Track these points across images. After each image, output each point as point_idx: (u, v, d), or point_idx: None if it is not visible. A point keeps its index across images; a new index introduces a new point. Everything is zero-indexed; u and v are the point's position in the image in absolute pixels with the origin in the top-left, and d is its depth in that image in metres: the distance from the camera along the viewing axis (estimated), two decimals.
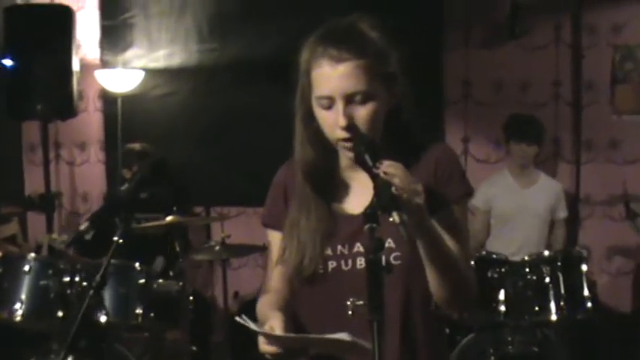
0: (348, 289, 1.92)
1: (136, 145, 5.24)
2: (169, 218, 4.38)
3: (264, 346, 1.88)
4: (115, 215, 3.00)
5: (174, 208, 4.42)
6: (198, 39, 6.08)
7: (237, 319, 1.89)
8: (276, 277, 2.12)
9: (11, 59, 5.53)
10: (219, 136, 5.91)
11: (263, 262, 5.94)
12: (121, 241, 2.46)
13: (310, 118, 2.00)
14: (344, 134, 1.92)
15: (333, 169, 2.07)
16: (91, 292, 2.43)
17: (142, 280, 4.10)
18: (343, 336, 1.76)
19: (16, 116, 5.86)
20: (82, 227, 2.76)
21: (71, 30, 5.63)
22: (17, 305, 4.06)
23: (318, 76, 1.93)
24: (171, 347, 4.71)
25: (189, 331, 4.59)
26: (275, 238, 2.13)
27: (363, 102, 1.92)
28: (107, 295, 4.08)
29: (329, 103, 1.93)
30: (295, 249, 2.02)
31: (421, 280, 1.95)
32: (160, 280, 4.36)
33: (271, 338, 1.87)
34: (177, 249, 4.61)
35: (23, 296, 4.07)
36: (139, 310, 4.06)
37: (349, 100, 1.91)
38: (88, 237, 3.22)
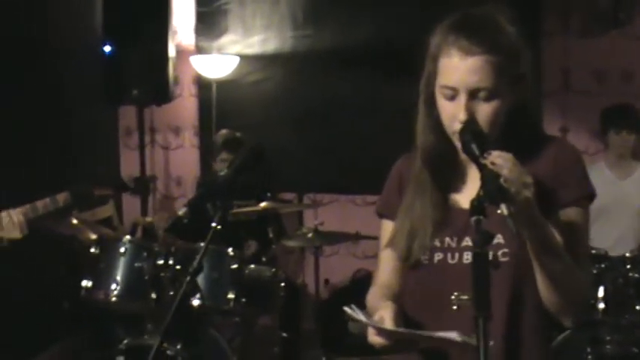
0: (452, 283, 1.90)
1: (225, 131, 5.26)
2: (263, 204, 4.38)
3: (373, 337, 1.86)
4: (213, 201, 3.01)
5: (268, 195, 4.43)
6: (292, 25, 6.08)
7: (346, 308, 1.87)
8: (386, 269, 2.11)
9: (109, 45, 5.63)
10: (313, 123, 5.90)
11: (355, 250, 5.93)
12: (219, 227, 2.44)
13: (432, 103, 1.95)
14: (461, 127, 1.86)
15: (452, 159, 2.01)
16: (188, 277, 2.42)
17: (235, 266, 4.11)
18: (453, 336, 1.73)
19: (114, 101, 5.99)
20: (181, 212, 2.76)
21: (167, 16, 5.70)
22: (113, 286, 4.12)
23: (446, 64, 1.88)
24: (262, 333, 4.72)
25: (279, 317, 4.59)
26: (387, 228, 2.10)
27: (487, 99, 1.86)
28: (200, 280, 4.11)
29: (452, 94, 1.87)
30: (406, 233, 1.99)
31: (531, 281, 1.88)
32: (252, 266, 4.37)
33: (380, 331, 1.84)
34: (271, 235, 4.62)
35: (118, 277, 4.13)
36: (231, 295, 4.07)
37: (473, 94, 1.85)
38: (185, 221, 3.24)
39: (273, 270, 4.40)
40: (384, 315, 1.86)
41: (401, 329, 1.84)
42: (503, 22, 1.90)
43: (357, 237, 5.23)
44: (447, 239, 1.96)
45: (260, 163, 2.54)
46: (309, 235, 4.72)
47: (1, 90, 4.92)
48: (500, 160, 1.73)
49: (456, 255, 1.95)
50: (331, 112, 5.88)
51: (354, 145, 5.81)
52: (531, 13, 5.66)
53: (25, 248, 3.46)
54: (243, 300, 4.12)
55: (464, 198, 1.98)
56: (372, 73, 5.78)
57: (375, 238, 5.59)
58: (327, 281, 5.78)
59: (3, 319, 4.57)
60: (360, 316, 1.85)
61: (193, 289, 3.72)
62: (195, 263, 2.38)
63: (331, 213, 5.61)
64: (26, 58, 5.43)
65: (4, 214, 3.30)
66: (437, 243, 1.97)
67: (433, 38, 1.93)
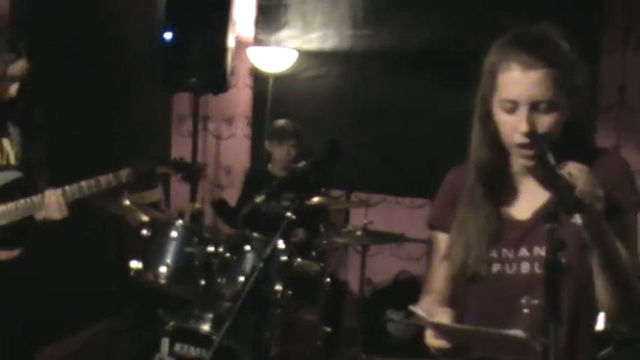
0: (510, 294, 1.94)
1: (282, 121, 5.31)
2: (317, 199, 4.41)
3: (431, 339, 1.89)
4: (289, 191, 3.05)
5: (323, 190, 4.46)
6: (352, 24, 6.09)
7: (411, 307, 1.90)
8: (439, 278, 2.15)
9: (170, 32, 5.69)
10: (366, 123, 5.91)
11: (398, 251, 5.95)
12: (293, 217, 2.48)
13: (487, 118, 1.99)
14: (523, 140, 1.91)
15: (505, 172, 2.06)
16: (261, 264, 2.46)
17: (284, 258, 4.15)
18: (518, 333, 1.73)
19: (170, 87, 6.03)
20: (258, 200, 2.79)
21: (229, 7, 5.73)
22: (162, 269, 4.17)
23: (506, 79, 1.92)
24: (304, 326, 4.76)
25: (323, 312, 4.62)
26: (440, 239, 2.16)
27: (547, 111, 1.90)
28: (248, 269, 4.17)
29: (512, 107, 1.91)
30: (462, 246, 2.03)
31: (589, 288, 1.91)
32: (301, 260, 4.41)
33: (443, 330, 1.87)
34: (323, 230, 4.65)
35: (169, 261, 4.18)
36: (278, 287, 4.11)
37: (534, 107, 1.89)
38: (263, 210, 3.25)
39: (322, 265, 4.44)
40: (442, 320, 1.90)
41: (465, 327, 1.87)
42: (558, 37, 1.94)
43: (402, 238, 5.26)
44: (504, 250, 2.01)
45: (336, 158, 2.58)
46: (358, 233, 4.75)
47: (63, 74, 5.00)
48: (576, 171, 1.77)
49: (514, 265, 2.00)
50: (385, 113, 5.90)
51: (405, 147, 5.82)
52: (592, 29, 5.63)
53: (75, 227, 3.52)
54: (289, 292, 4.16)
55: (517, 210, 2.04)
56: (427, 76, 5.79)
57: (420, 240, 5.65)
58: (369, 280, 5.81)
59: (51, 295, 4.65)
60: (424, 315, 1.88)
61: (264, 278, 3.78)
62: (267, 250, 2.41)
63: (377, 213, 5.63)
64: (89, 42, 5.52)
65: (48, 192, 3.36)
66: (494, 254, 2.01)
67: (489, 56, 1.98)
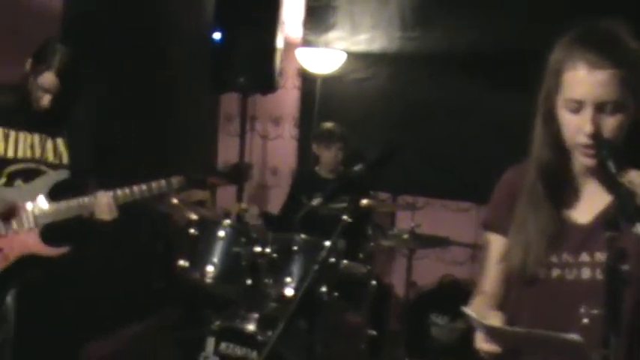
0: (569, 299, 1.90)
1: (330, 124, 5.30)
2: (365, 201, 4.40)
3: (482, 343, 1.86)
4: (345, 194, 3.04)
5: (371, 192, 4.45)
6: (400, 25, 6.06)
7: (463, 308, 1.88)
8: (491, 281, 2.11)
9: (219, 32, 5.72)
10: (413, 125, 5.87)
11: (443, 255, 5.91)
12: (350, 221, 2.48)
13: (550, 118, 1.95)
14: (586, 140, 1.87)
15: (567, 173, 2.01)
16: (317, 266, 2.46)
17: (331, 260, 4.14)
18: (575, 337, 1.69)
19: (218, 87, 6.05)
20: (315, 202, 2.80)
21: (278, 8, 5.73)
22: (209, 268, 4.19)
23: (572, 78, 1.87)
24: (349, 329, 4.75)
25: (368, 315, 4.60)
26: (495, 241, 2.11)
27: (613, 112, 1.85)
28: (295, 270, 4.17)
29: (577, 107, 1.87)
30: (521, 248, 1.98)
31: None
32: (347, 262, 4.40)
33: (495, 333, 1.84)
34: (370, 232, 4.63)
35: (215, 260, 4.20)
36: (324, 289, 4.10)
37: (599, 107, 1.85)
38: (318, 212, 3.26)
39: (368, 268, 4.42)
40: (494, 322, 1.87)
41: (519, 329, 1.82)
42: (626, 36, 1.89)
43: (448, 242, 5.22)
44: (564, 255, 1.96)
45: (392, 161, 2.57)
46: (404, 236, 4.73)
47: (112, 75, 5.04)
48: (638, 179, 1.73)
49: (574, 271, 1.95)
50: (432, 116, 5.86)
51: (453, 150, 5.78)
52: None
53: (122, 225, 3.54)
54: (335, 294, 4.15)
55: (578, 213, 1.99)
56: (476, 79, 5.74)
57: (465, 245, 5.60)
58: (413, 283, 5.78)
59: (98, 292, 4.70)
60: (477, 318, 1.85)
61: (319, 280, 3.78)
62: (323, 254, 2.41)
63: (423, 216, 5.60)
64: (138, 43, 5.57)
65: (99, 194, 3.39)
66: (554, 259, 1.97)
67: (555, 53, 1.93)
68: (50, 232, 3.36)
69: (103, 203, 3.36)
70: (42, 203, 3.34)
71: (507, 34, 5.56)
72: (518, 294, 2.04)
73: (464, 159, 5.70)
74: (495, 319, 1.88)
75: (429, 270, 5.85)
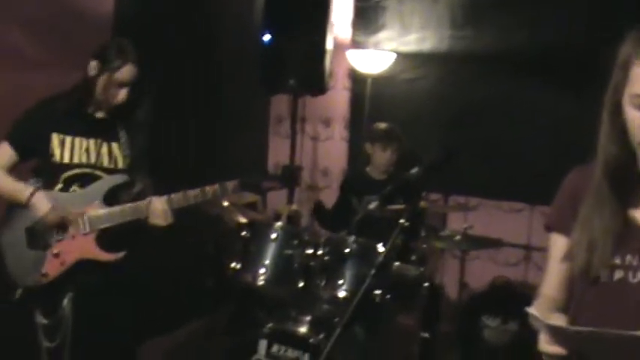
0: (632, 303, 1.85)
1: (383, 124, 5.27)
2: (420, 203, 4.37)
3: (546, 345, 1.83)
4: (401, 196, 3.04)
5: (423, 194, 4.42)
6: (450, 25, 6.01)
7: (528, 309, 1.85)
8: (553, 283, 2.08)
9: (269, 35, 5.74)
10: (464, 125, 5.82)
11: (495, 256, 5.86)
12: (407, 224, 2.47)
13: (617, 114, 1.90)
14: None
15: (633, 172, 1.95)
16: (374, 270, 2.45)
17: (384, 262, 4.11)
18: None
19: (269, 89, 6.08)
20: (372, 206, 2.80)
21: (327, 10, 5.73)
22: (261, 270, 4.19)
23: (638, 73, 1.82)
24: (401, 331, 4.72)
25: (420, 317, 4.58)
26: (558, 241, 2.07)
27: None
28: (347, 273, 4.15)
29: None
30: (585, 247, 1.94)
31: None
32: (399, 264, 4.38)
33: (560, 334, 1.80)
34: (424, 234, 4.61)
35: (267, 262, 4.20)
36: (377, 291, 4.09)
37: None
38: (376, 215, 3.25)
39: (421, 270, 4.40)
40: (559, 323, 1.84)
41: (587, 329, 1.76)
42: None
43: (501, 244, 5.17)
44: (628, 257, 1.91)
45: (449, 163, 2.55)
46: (457, 237, 4.69)
47: (163, 77, 5.08)
48: None
49: (638, 274, 1.90)
50: (484, 115, 5.81)
51: (504, 150, 5.72)
52: None
53: (174, 227, 3.56)
54: (388, 296, 4.13)
55: None
56: (527, 79, 5.67)
57: (518, 246, 5.55)
58: (465, 285, 5.74)
59: (153, 293, 4.74)
60: (542, 318, 1.81)
61: (376, 283, 3.76)
62: (380, 258, 2.40)
63: (475, 217, 5.55)
64: (187, 45, 5.61)
65: (154, 199, 3.42)
66: (617, 260, 1.92)
67: (624, 46, 1.88)
68: (106, 236, 3.40)
69: (159, 209, 3.38)
70: (98, 208, 3.37)
71: (560, 32, 5.49)
72: (580, 295, 2.00)
73: (516, 159, 5.64)
74: (558, 321, 1.85)
75: (481, 271, 5.81)
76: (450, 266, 5.98)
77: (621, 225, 1.93)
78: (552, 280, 2.09)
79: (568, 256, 2.01)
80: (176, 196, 3.44)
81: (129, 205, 3.38)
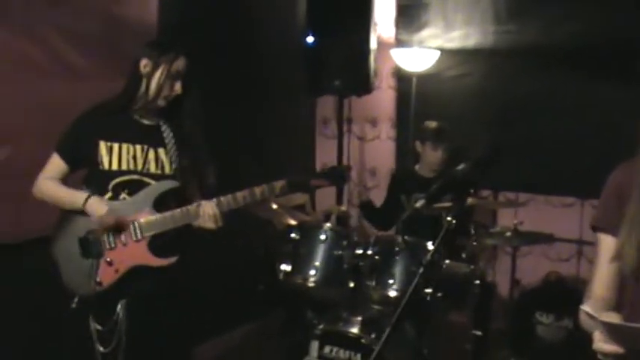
0: None
1: (433, 123, 5.24)
2: (468, 200, 4.34)
3: (601, 344, 1.81)
4: (448, 194, 3.02)
5: (472, 191, 4.39)
6: (495, 20, 5.96)
7: (583, 307, 1.83)
8: (603, 284, 2.06)
9: (312, 36, 5.75)
10: (511, 120, 5.76)
11: (548, 251, 5.80)
12: (454, 221, 2.46)
13: None
14: None
15: None
16: (421, 269, 2.45)
17: (434, 260, 4.11)
18: None
19: (315, 91, 6.09)
20: (418, 204, 2.79)
21: (369, 9, 5.72)
22: (312, 272, 4.22)
23: None
24: (454, 329, 4.71)
25: (472, 315, 4.55)
26: (605, 241, 2.05)
27: None
28: (397, 272, 4.15)
29: None
30: (635, 245, 1.92)
31: None
32: (450, 261, 4.36)
33: (616, 331, 1.78)
34: (473, 231, 4.59)
35: (317, 263, 4.23)
36: (428, 290, 4.08)
37: None
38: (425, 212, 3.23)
39: (472, 267, 4.37)
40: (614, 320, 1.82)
41: None
42: None
43: (552, 239, 5.12)
44: None
45: (497, 160, 2.54)
46: (507, 233, 4.66)
47: (208, 81, 5.12)
48: None
49: None
50: (530, 110, 5.74)
51: (552, 144, 5.66)
52: None
53: (224, 230, 3.58)
54: (439, 295, 4.12)
55: None
56: (574, 73, 5.60)
57: (570, 240, 5.48)
58: (517, 281, 5.69)
59: (206, 296, 4.78)
60: (597, 315, 1.79)
61: (427, 281, 3.76)
62: (428, 256, 2.40)
63: (526, 212, 5.51)
64: (232, 49, 5.65)
65: (203, 203, 3.44)
66: None
67: None
68: (158, 241, 3.43)
69: (208, 212, 3.40)
70: (148, 215, 3.41)
71: (608, 24, 5.40)
72: (633, 294, 1.98)
73: (566, 154, 5.57)
74: (613, 319, 1.83)
75: (534, 267, 5.75)
76: (502, 263, 5.94)
77: None
78: (602, 280, 2.06)
79: (617, 256, 1.98)
80: (225, 199, 3.45)
81: (179, 210, 3.41)
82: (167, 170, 3.45)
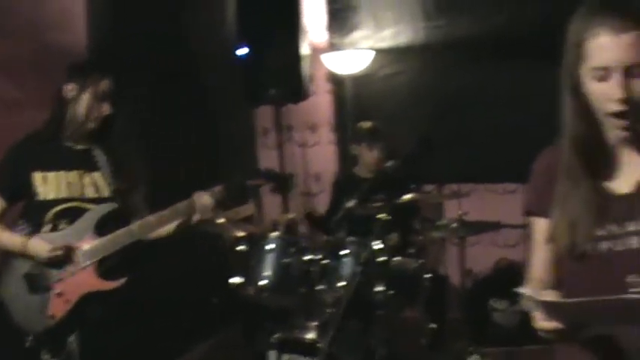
0: (621, 270, 1.87)
1: (366, 124, 5.27)
2: (409, 196, 4.38)
3: (542, 322, 1.85)
4: (380, 192, 3.04)
5: (413, 186, 4.43)
6: (424, 16, 6.03)
7: (521, 289, 1.87)
8: (539, 266, 2.10)
9: (245, 48, 5.75)
10: (449, 114, 5.84)
11: (496, 239, 5.87)
12: (387, 218, 2.48)
13: (578, 89, 1.93)
14: (617, 107, 1.84)
15: (602, 145, 1.98)
16: (360, 269, 2.46)
17: (382, 259, 4.13)
18: (633, 295, 1.68)
19: (251, 102, 6.10)
20: (349, 205, 2.81)
21: (299, 16, 5.76)
22: (263, 282, 4.22)
23: (595, 46, 1.85)
24: (408, 324, 4.73)
25: (426, 308, 4.59)
26: (539, 225, 2.09)
27: None
28: (347, 273, 4.16)
29: (604, 75, 1.85)
30: (566, 226, 1.96)
31: None
32: (398, 258, 4.39)
33: (554, 308, 1.82)
34: (417, 226, 4.62)
35: (268, 273, 4.22)
36: (379, 288, 4.10)
37: (628, 72, 1.82)
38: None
39: (420, 262, 4.41)
40: (552, 297, 1.86)
41: (578, 299, 1.78)
42: None
43: (498, 226, 5.18)
44: (610, 227, 1.93)
45: (428, 154, 2.57)
46: (453, 225, 4.70)
47: (143, 96, 5.10)
48: None
49: (622, 241, 1.92)
50: (466, 103, 5.82)
51: (491, 134, 5.74)
52: None
53: (174, 247, 3.57)
54: (391, 292, 4.15)
55: (618, 184, 1.96)
56: (505, 62, 5.69)
57: (516, 226, 5.56)
58: (469, 271, 5.75)
59: (157, 316, 4.75)
60: (535, 295, 1.83)
61: (375, 280, 3.77)
62: (364, 255, 2.42)
63: (471, 203, 5.55)
64: (171, 67, 5.62)
65: (197, 195, 3.44)
66: (600, 232, 1.93)
67: (573, 24, 1.92)
68: (105, 265, 3.40)
69: (205, 204, 3.41)
70: (91, 240, 3.38)
71: (532, 14, 5.50)
72: (569, 272, 2.02)
73: (503, 142, 5.65)
74: (551, 297, 1.86)
75: (484, 256, 5.82)
76: (453, 255, 5.98)
77: (598, 198, 1.95)
78: (540, 262, 2.10)
79: (551, 238, 2.02)
80: (168, 212, 3.44)
81: (122, 230, 3.38)
82: (105, 193, 3.42)
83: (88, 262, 3.36)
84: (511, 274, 5.46)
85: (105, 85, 3.37)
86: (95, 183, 3.42)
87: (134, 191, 3.51)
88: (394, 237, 4.87)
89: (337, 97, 6.45)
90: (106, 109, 3.38)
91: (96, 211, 3.40)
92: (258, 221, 5.76)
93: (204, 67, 6.09)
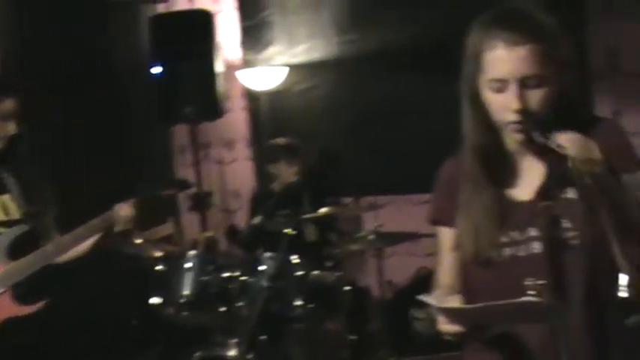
0: (525, 276, 1.90)
1: (282, 140, 5.29)
2: (324, 210, 4.41)
3: (444, 325, 1.89)
4: (284, 208, 3.05)
5: (328, 200, 4.46)
6: (337, 31, 6.09)
7: (421, 298, 1.90)
8: (446, 273, 2.14)
9: (159, 66, 5.72)
10: (365, 127, 5.90)
11: (415, 249, 5.93)
12: (293, 233, 2.49)
13: (477, 100, 1.98)
14: (515, 117, 1.89)
15: (502, 153, 2.03)
16: (265, 284, 2.47)
17: (300, 273, 4.16)
18: (530, 298, 1.73)
19: (167, 121, 6.06)
20: (255, 221, 2.81)
21: (212, 33, 5.76)
22: (182, 301, 4.20)
23: (492, 58, 1.90)
24: (330, 337, 4.75)
25: (346, 320, 4.62)
26: (444, 234, 2.13)
27: (537, 86, 1.88)
28: (261, 289, 4.17)
29: (501, 86, 1.90)
30: (470, 234, 2.00)
31: (607, 262, 1.85)
32: (316, 272, 4.41)
33: (454, 314, 1.87)
34: (334, 239, 4.65)
35: (187, 292, 4.21)
36: (297, 302, 4.12)
37: (523, 83, 1.87)
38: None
39: (338, 274, 4.44)
40: (452, 304, 1.90)
41: (476, 305, 1.84)
42: (539, 13, 1.93)
43: (416, 236, 5.24)
44: (512, 233, 1.97)
45: (331, 167, 2.58)
46: (370, 237, 4.75)
47: (63, 118, 5.04)
48: (566, 141, 1.75)
49: (525, 247, 1.96)
50: (382, 115, 5.88)
51: (407, 145, 5.80)
52: None
53: (92, 268, 3.53)
54: (310, 306, 4.17)
55: (519, 191, 2.01)
56: (420, 74, 5.77)
57: (434, 235, 5.63)
58: (389, 282, 5.80)
59: (75, 340, 4.66)
60: (434, 302, 1.87)
61: (280, 296, 3.78)
62: (270, 270, 2.42)
63: (389, 214, 5.61)
64: (85, 87, 5.56)
65: (117, 206, 3.37)
66: (503, 238, 1.98)
67: (471, 37, 1.96)
68: (22, 289, 3.33)
69: (124, 215, 3.36)
70: (3, 265, 3.31)
71: (446, 24, 5.58)
72: (475, 279, 2.06)
73: (418, 152, 5.71)
74: (454, 302, 1.90)
75: (403, 266, 5.87)
76: (373, 266, 6.03)
77: (500, 205, 1.99)
78: (446, 269, 2.14)
79: (457, 246, 2.06)
80: (80, 230, 3.39)
81: (36, 252, 3.31)
82: (15, 216, 3.35)
83: (3, 289, 3.29)
84: (431, 283, 5.51)
85: (10, 104, 3.30)
86: (5, 206, 3.35)
87: (45, 212, 3.45)
88: (311, 230, 4.85)
89: (253, 113, 6.46)
90: (11, 128, 3.31)
91: (7, 235, 3.33)
92: (178, 240, 5.72)
93: (118, 87, 6.04)
